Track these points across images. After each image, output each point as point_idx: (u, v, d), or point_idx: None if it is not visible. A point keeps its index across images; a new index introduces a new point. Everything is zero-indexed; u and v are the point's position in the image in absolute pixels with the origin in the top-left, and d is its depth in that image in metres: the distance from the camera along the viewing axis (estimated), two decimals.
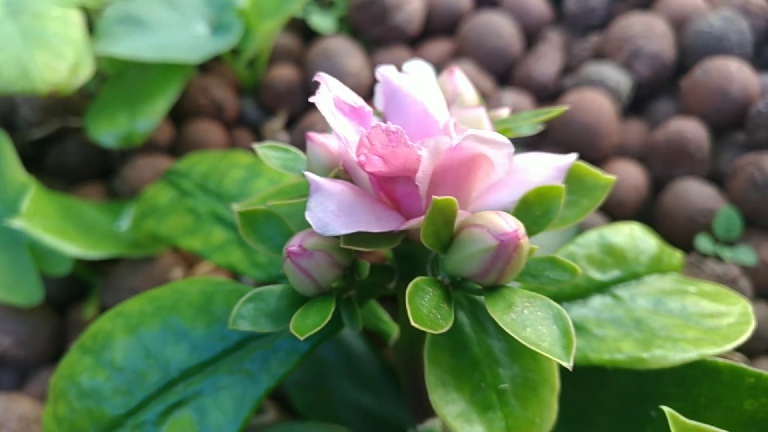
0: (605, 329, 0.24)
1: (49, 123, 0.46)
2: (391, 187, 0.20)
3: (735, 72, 0.44)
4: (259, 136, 0.49)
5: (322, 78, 0.20)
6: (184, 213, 0.34)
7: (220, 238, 0.31)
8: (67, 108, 0.47)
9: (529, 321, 0.18)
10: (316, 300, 0.20)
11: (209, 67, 0.51)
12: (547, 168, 0.21)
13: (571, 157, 0.22)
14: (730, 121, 0.45)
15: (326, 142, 0.22)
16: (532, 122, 0.24)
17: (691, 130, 0.43)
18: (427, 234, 0.18)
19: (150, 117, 0.43)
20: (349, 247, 0.19)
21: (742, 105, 0.44)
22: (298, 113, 0.50)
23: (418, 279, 0.19)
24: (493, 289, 0.19)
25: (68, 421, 0.24)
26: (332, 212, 0.19)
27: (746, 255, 0.40)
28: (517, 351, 0.21)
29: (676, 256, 0.28)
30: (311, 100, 0.19)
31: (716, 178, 0.45)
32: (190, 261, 0.42)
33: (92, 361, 0.25)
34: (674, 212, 0.42)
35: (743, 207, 0.42)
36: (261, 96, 0.51)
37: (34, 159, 0.47)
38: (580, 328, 0.25)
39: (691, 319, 0.24)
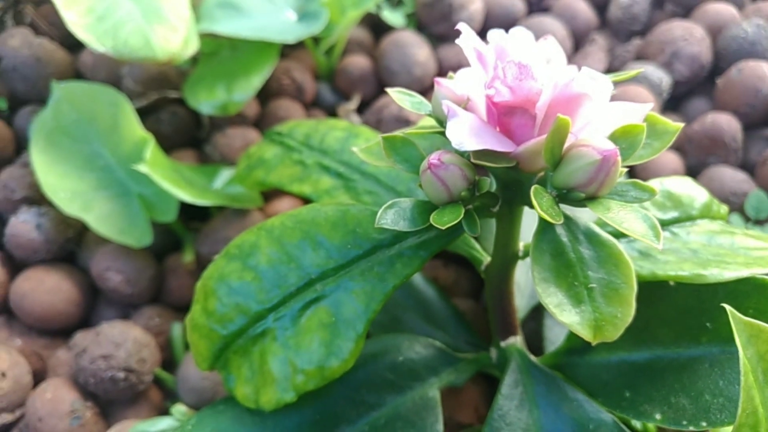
0: (667, 256, 0.29)
1: (149, 94, 0.52)
2: (508, 120, 0.25)
3: (767, 72, 0.49)
4: (333, 117, 0.55)
5: (464, 27, 0.25)
6: (291, 164, 0.39)
7: (328, 184, 0.36)
8: (164, 82, 0.53)
9: (625, 219, 0.23)
10: (447, 206, 0.25)
11: (291, 53, 0.57)
12: (628, 112, 0.26)
13: (648, 106, 0.27)
14: (761, 117, 0.50)
15: (451, 86, 0.27)
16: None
17: (726, 121, 0.48)
18: (546, 149, 0.23)
19: (246, 90, 0.48)
20: (478, 162, 0.24)
21: None
22: (369, 98, 0.55)
23: (536, 186, 0.24)
24: (593, 199, 0.24)
25: (218, 314, 0.29)
26: (466, 132, 0.24)
27: None
28: (603, 258, 0.26)
29: (724, 207, 0.33)
30: (457, 42, 0.25)
31: (747, 168, 0.50)
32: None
33: (239, 265, 0.29)
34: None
35: None
36: (336, 81, 0.56)
37: None
38: (646, 255, 0.29)
39: (739, 251, 0.29)
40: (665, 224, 0.31)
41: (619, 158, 0.24)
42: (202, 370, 0.31)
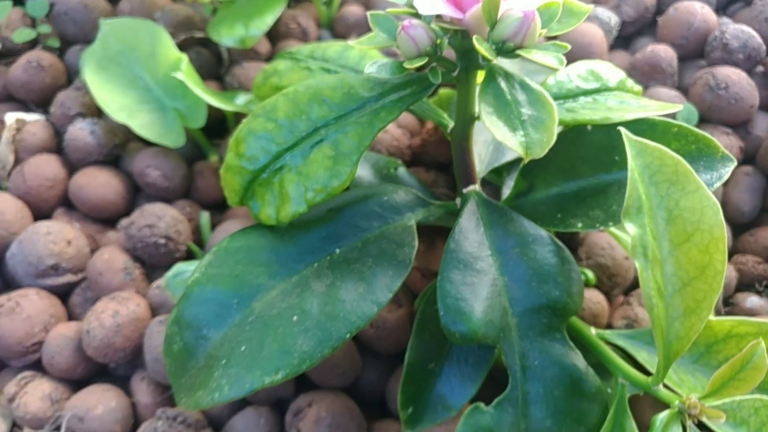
0: (586, 110, 0.38)
1: (178, 35, 0.61)
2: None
3: (699, 9, 0.59)
4: None
5: None
6: (299, 71, 0.48)
7: None
8: (190, 25, 0.62)
9: (540, 57, 0.33)
10: (416, 58, 0.35)
11: (296, 5, 0.67)
12: None
13: None
14: (694, 48, 0.59)
15: None
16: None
17: (663, 50, 0.58)
18: (485, 12, 0.33)
19: (260, 27, 0.58)
20: (438, 25, 0.34)
21: (703, 34, 0.59)
22: None
23: (476, 36, 0.33)
24: (521, 48, 0.34)
25: (247, 156, 0.39)
26: (428, 3, 0.33)
27: None
28: (533, 100, 0.35)
29: (638, 87, 0.42)
30: None
31: (682, 90, 0.59)
32: None
33: (263, 120, 0.39)
34: None
35: (700, 105, 0.56)
36: (335, 28, 0.66)
37: None
38: (570, 110, 0.39)
39: (641, 106, 0.39)
40: (588, 93, 0.40)
41: (538, 17, 0.33)
42: (234, 204, 0.40)
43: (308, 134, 0.38)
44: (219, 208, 0.56)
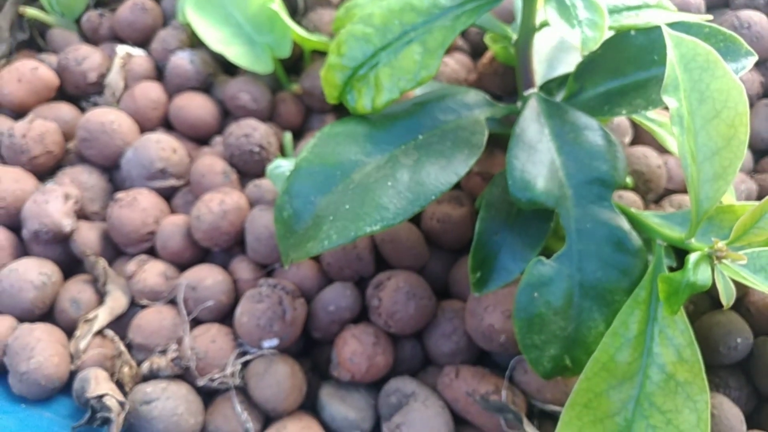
0: (631, 19, 0.46)
1: None
2: None
3: None
4: None
5: None
6: (378, 0, 0.56)
7: None
8: None
9: None
10: None
11: None
12: None
13: None
14: None
15: None
16: None
17: None
18: None
19: None
20: None
21: None
22: None
23: None
24: None
25: (348, 55, 0.46)
26: None
27: None
28: (588, 5, 0.43)
29: (674, 6, 0.50)
30: None
31: None
32: None
33: (362, 25, 0.46)
34: None
35: None
36: None
37: None
38: (617, 20, 0.46)
39: (680, 15, 0.46)
40: (631, 8, 0.48)
41: None
42: (332, 101, 0.48)
43: (400, 36, 0.46)
44: (297, 133, 0.64)
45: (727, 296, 0.39)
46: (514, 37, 0.49)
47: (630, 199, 0.55)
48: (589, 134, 0.45)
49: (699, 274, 0.38)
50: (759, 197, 0.58)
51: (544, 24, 0.48)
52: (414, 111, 0.47)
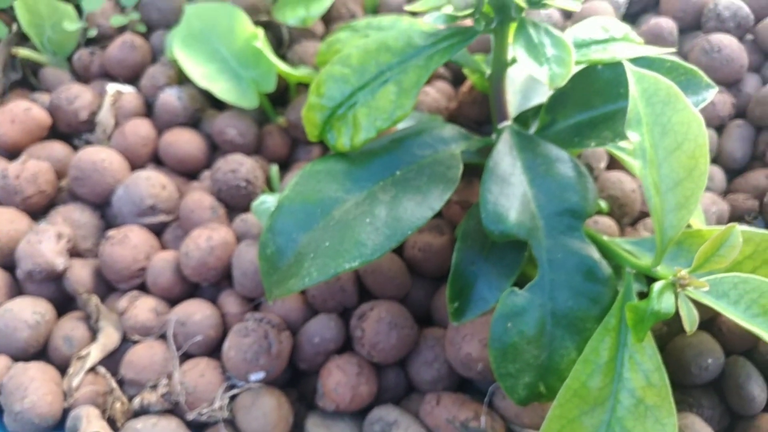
0: (598, 53, 0.48)
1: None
2: None
3: None
4: None
5: None
6: (359, 38, 0.58)
7: None
8: (255, 10, 0.72)
9: (562, 2, 0.42)
10: (463, 10, 0.44)
11: None
12: None
13: None
14: (691, 21, 0.69)
15: None
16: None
17: (665, 21, 0.67)
18: None
19: (319, 8, 0.68)
20: None
21: (700, 7, 0.68)
22: None
23: None
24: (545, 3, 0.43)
25: (326, 95, 0.47)
26: None
27: None
28: (555, 43, 0.44)
29: (640, 39, 0.52)
30: None
31: (681, 56, 0.68)
32: None
33: (340, 66, 0.47)
34: None
35: (697, 67, 0.65)
36: (379, 12, 0.76)
37: None
38: (584, 54, 0.48)
39: (644, 50, 0.48)
40: (598, 42, 0.49)
41: None
42: (313, 140, 0.49)
43: (376, 76, 0.48)
44: (284, 165, 0.66)
45: (690, 323, 0.40)
46: (488, 72, 0.51)
47: (605, 223, 0.56)
48: (560, 166, 0.47)
49: (663, 302, 0.40)
50: (731, 218, 0.59)
51: (516, 60, 0.50)
52: (392, 147, 0.49)
